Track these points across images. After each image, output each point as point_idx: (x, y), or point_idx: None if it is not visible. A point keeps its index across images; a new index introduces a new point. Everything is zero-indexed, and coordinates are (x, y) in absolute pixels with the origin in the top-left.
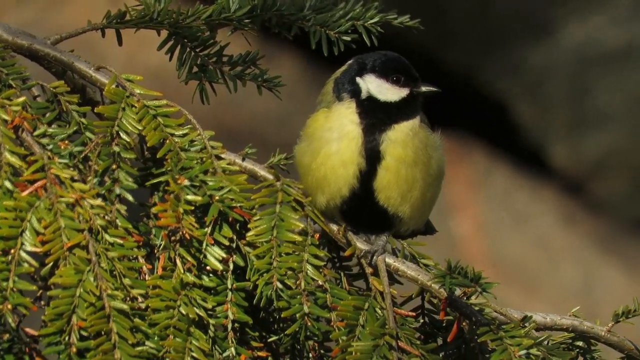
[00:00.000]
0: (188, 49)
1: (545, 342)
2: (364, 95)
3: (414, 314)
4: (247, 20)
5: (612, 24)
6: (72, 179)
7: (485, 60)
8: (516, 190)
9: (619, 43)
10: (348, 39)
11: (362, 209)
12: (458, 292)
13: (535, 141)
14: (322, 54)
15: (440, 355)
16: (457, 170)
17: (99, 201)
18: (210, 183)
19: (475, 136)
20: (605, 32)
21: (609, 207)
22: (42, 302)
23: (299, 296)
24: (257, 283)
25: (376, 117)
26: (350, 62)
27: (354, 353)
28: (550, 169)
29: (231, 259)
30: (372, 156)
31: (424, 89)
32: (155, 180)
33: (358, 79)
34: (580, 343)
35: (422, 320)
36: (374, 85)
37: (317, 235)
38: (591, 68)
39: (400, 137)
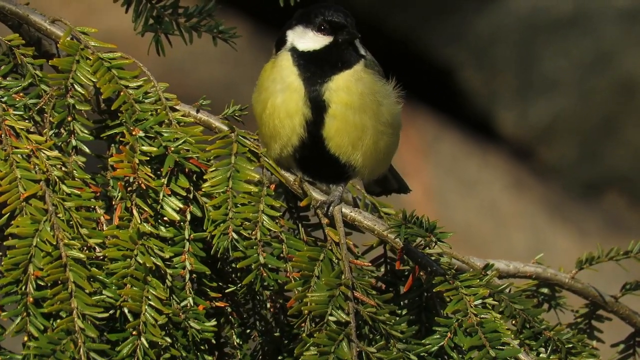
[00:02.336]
0: (144, 1)
1: (507, 290)
2: (288, 46)
3: (370, 264)
4: None
5: None
6: (28, 131)
7: (432, 26)
8: (465, 157)
9: (566, 9)
10: None
11: (315, 157)
12: (418, 241)
13: (483, 107)
14: (268, 21)
15: (402, 304)
16: (405, 136)
17: (55, 152)
18: (165, 134)
19: (423, 103)
20: None
21: (557, 172)
22: None
23: (254, 247)
24: (213, 234)
25: (312, 68)
26: (294, 14)
27: (309, 304)
28: (499, 135)
29: (188, 209)
30: (317, 106)
31: (345, 35)
32: (110, 132)
33: (288, 31)
34: (545, 290)
35: (384, 269)
36: (297, 36)
37: (273, 186)
38: (538, 34)
39: (343, 84)
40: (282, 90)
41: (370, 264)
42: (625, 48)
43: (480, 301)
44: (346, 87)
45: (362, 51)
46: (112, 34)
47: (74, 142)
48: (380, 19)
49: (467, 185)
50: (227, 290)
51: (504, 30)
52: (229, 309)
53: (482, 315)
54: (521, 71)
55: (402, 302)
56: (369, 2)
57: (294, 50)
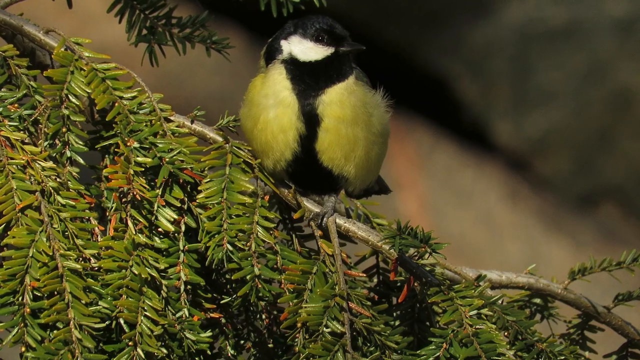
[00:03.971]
0: (137, 12)
1: (500, 301)
2: (286, 56)
3: (364, 275)
4: None
5: (553, 2)
6: (23, 142)
7: (427, 37)
8: (460, 168)
9: (561, 21)
10: (297, 0)
11: (308, 171)
12: (411, 251)
13: (478, 119)
14: (264, 31)
15: (395, 315)
16: (401, 148)
17: (50, 163)
18: (160, 145)
19: (418, 114)
20: (547, 10)
21: (553, 184)
22: None
23: (249, 258)
24: (208, 245)
25: (306, 80)
26: (284, 25)
27: (303, 315)
28: (494, 147)
29: (183, 220)
30: (311, 120)
31: (347, 47)
32: (105, 143)
33: (282, 42)
34: (537, 300)
35: (376, 280)
36: (296, 46)
37: (267, 197)
38: (533, 46)
39: (336, 98)
40: (275, 105)
41: (363, 275)
42: (620, 59)
43: (475, 312)
44: (339, 100)
45: (352, 63)
46: (107, 45)
47: (68, 153)
48: (375, 31)
49: (462, 196)
50: (221, 302)
51: (499, 41)
52: (223, 320)
53: (478, 326)
54: (516, 83)
55: (394, 313)
56: (364, 13)
57: (289, 62)
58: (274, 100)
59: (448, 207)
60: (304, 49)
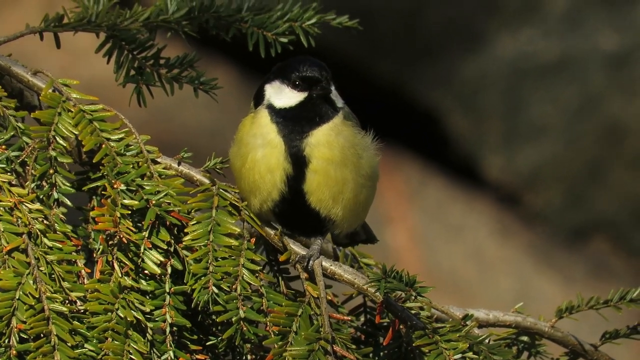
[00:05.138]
0: (126, 52)
1: (487, 341)
2: (265, 102)
3: (349, 318)
4: (185, 22)
5: (545, 36)
6: (10, 184)
7: (417, 72)
8: (450, 202)
9: (552, 55)
10: (285, 40)
11: (295, 211)
12: (398, 294)
13: (469, 153)
14: (255, 66)
15: (381, 355)
16: (391, 182)
17: (37, 205)
18: (147, 187)
19: (408, 148)
20: (538, 44)
21: (543, 219)
22: None
23: (234, 301)
24: (194, 287)
25: (289, 124)
26: (272, 68)
27: (287, 358)
28: (485, 181)
29: (169, 262)
30: (298, 161)
31: (319, 91)
32: (92, 185)
33: (267, 86)
34: (524, 338)
35: (363, 319)
36: (274, 93)
37: (253, 240)
38: (524, 80)
39: (323, 139)
40: (263, 145)
41: (348, 318)
42: (612, 93)
43: (460, 355)
44: (327, 142)
45: (340, 103)
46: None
47: (55, 195)
48: (365, 65)
49: (453, 230)
50: (207, 343)
51: (491, 75)
52: None
53: None
54: (508, 117)
55: (381, 353)
56: (355, 47)
57: (271, 108)
58: (261, 141)
59: (438, 242)
60: (281, 94)
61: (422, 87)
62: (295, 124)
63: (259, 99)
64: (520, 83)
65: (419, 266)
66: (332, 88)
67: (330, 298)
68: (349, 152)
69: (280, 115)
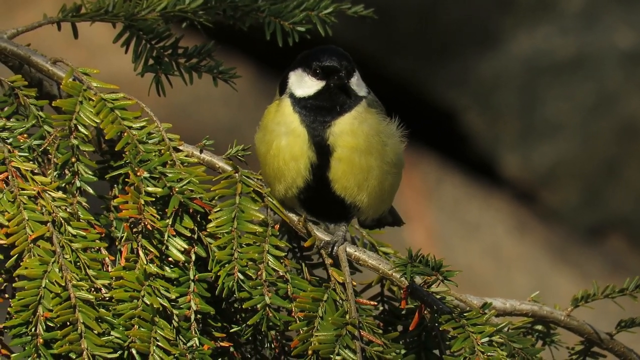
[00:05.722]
0: (143, 42)
1: (506, 329)
2: (288, 90)
3: (374, 303)
4: (201, 12)
5: (561, 34)
6: (33, 172)
7: (435, 70)
8: (468, 200)
9: (568, 53)
10: (302, 29)
11: (320, 198)
12: (418, 280)
13: (485, 151)
14: (272, 62)
15: (401, 343)
16: (409, 179)
17: (60, 194)
18: (170, 175)
19: (426, 146)
20: (554, 42)
21: (560, 216)
22: (6, 295)
23: (260, 287)
24: (218, 274)
25: (312, 113)
26: (297, 55)
27: (314, 343)
28: (501, 179)
29: (193, 250)
30: (322, 150)
31: (336, 80)
32: (114, 173)
33: (290, 74)
34: (539, 327)
35: (381, 308)
36: (295, 80)
37: (277, 226)
38: (541, 78)
39: (347, 127)
40: (287, 133)
41: (374, 303)
42: (628, 91)
43: (487, 339)
44: (351, 130)
45: (364, 91)
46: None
47: (78, 183)
48: (383, 64)
49: (470, 228)
50: (231, 330)
51: (507, 73)
52: (232, 349)
53: (489, 353)
54: (524, 114)
55: (401, 341)
56: (372, 46)
57: (293, 97)
58: (285, 129)
59: (455, 239)
60: (302, 82)
61: (439, 85)
62: (317, 113)
63: (283, 86)
64: (536, 81)
65: None
66: (354, 78)
67: (354, 284)
68: (374, 140)
69: (302, 105)
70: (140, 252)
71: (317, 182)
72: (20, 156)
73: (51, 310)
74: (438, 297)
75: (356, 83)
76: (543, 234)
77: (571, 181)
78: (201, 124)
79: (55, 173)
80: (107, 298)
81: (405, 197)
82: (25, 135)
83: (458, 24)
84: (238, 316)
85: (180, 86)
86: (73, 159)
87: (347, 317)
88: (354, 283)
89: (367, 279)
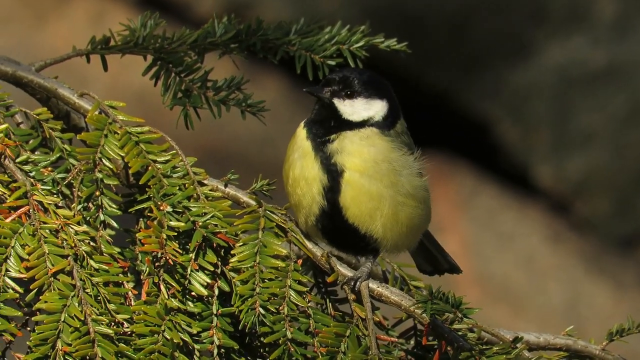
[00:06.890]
0: (173, 74)
1: None
2: None
3: (396, 340)
4: (233, 45)
5: (594, 44)
6: (56, 205)
7: (468, 81)
8: (502, 210)
9: (601, 63)
10: (333, 63)
11: (335, 227)
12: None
13: (519, 161)
14: (306, 75)
15: None
16: (443, 190)
17: (84, 227)
18: (193, 209)
19: (460, 157)
20: (587, 52)
21: (594, 226)
22: (28, 328)
23: (281, 322)
24: (240, 309)
25: (314, 126)
26: None
27: None
28: (535, 189)
29: (216, 284)
30: (332, 170)
31: (324, 93)
32: (138, 207)
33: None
34: None
35: (413, 342)
36: None
37: (300, 261)
38: (573, 88)
39: (352, 148)
40: (300, 157)
41: (396, 339)
42: None
43: None
44: (357, 151)
45: (364, 115)
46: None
47: (102, 217)
48: (415, 74)
49: (504, 238)
50: None
51: (539, 84)
52: None
53: None
54: (557, 125)
55: None
56: (405, 59)
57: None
58: (298, 153)
59: (490, 249)
60: None
61: (472, 96)
62: (318, 127)
63: None
64: (569, 91)
65: (471, 274)
66: (353, 100)
67: (379, 320)
68: (383, 166)
69: (308, 119)
70: (162, 287)
71: (331, 209)
72: (43, 189)
73: (70, 345)
74: (460, 333)
75: (350, 104)
76: (577, 244)
77: (604, 191)
78: (234, 136)
79: (79, 206)
80: (128, 332)
81: (439, 207)
82: (49, 169)
83: (491, 36)
84: (262, 350)
85: None
86: (97, 193)
87: (369, 353)
88: (380, 317)
89: (400, 313)
